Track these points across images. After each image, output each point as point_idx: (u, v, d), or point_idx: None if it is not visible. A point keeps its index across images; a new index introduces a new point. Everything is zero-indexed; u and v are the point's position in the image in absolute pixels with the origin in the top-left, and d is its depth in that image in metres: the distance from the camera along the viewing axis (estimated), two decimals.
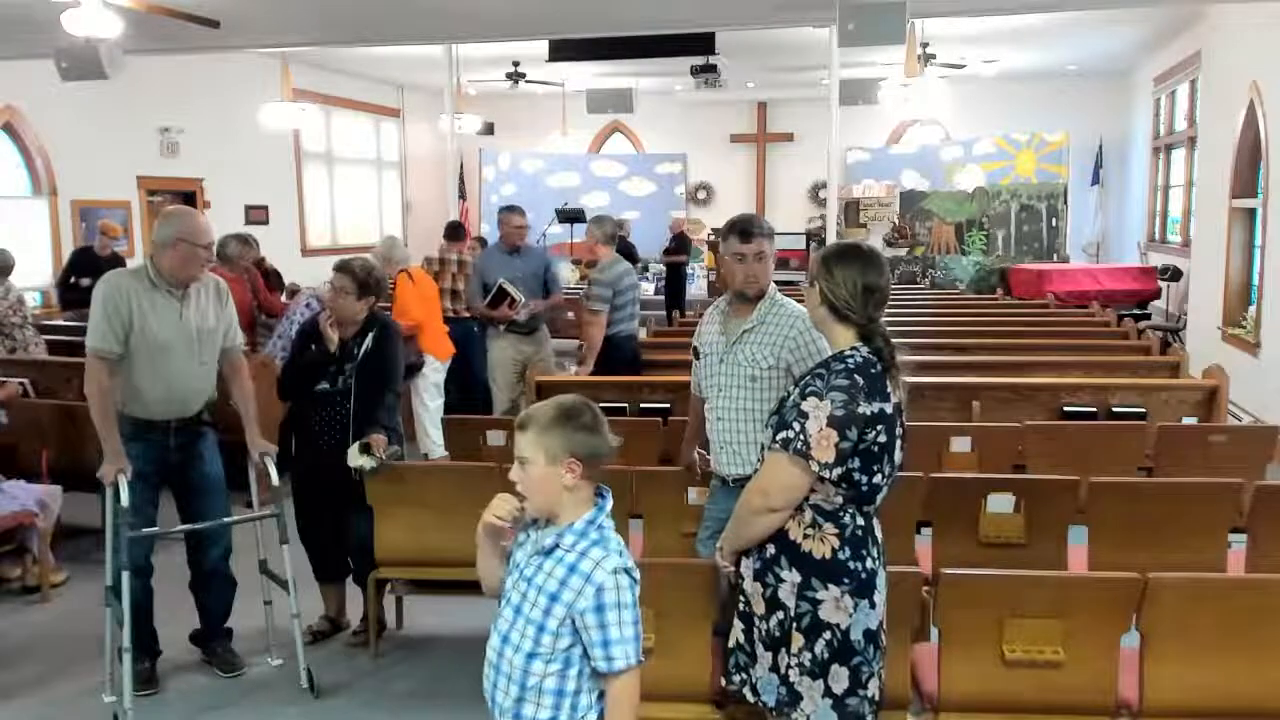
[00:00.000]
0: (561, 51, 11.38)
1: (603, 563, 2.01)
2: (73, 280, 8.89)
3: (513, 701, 2.06)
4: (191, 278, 3.76)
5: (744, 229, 3.21)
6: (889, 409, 2.35)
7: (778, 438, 2.35)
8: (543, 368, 6.30)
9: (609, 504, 2.13)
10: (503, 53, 13.06)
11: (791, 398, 2.40)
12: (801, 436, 2.30)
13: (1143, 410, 5.12)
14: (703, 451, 3.48)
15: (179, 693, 3.92)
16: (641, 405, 5.29)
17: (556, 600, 2.02)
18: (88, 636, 4.17)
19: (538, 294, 6.46)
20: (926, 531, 3.68)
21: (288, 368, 4.30)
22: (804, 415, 2.31)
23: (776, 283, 3.39)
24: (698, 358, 3.41)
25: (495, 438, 4.61)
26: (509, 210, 6.67)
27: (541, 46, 11.44)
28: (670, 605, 2.89)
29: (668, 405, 5.17)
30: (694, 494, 3.68)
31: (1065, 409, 5.17)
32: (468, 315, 7.18)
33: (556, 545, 2.06)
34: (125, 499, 3.60)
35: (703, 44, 10.76)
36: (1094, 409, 5.15)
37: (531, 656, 2.04)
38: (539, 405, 2.13)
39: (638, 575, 2.07)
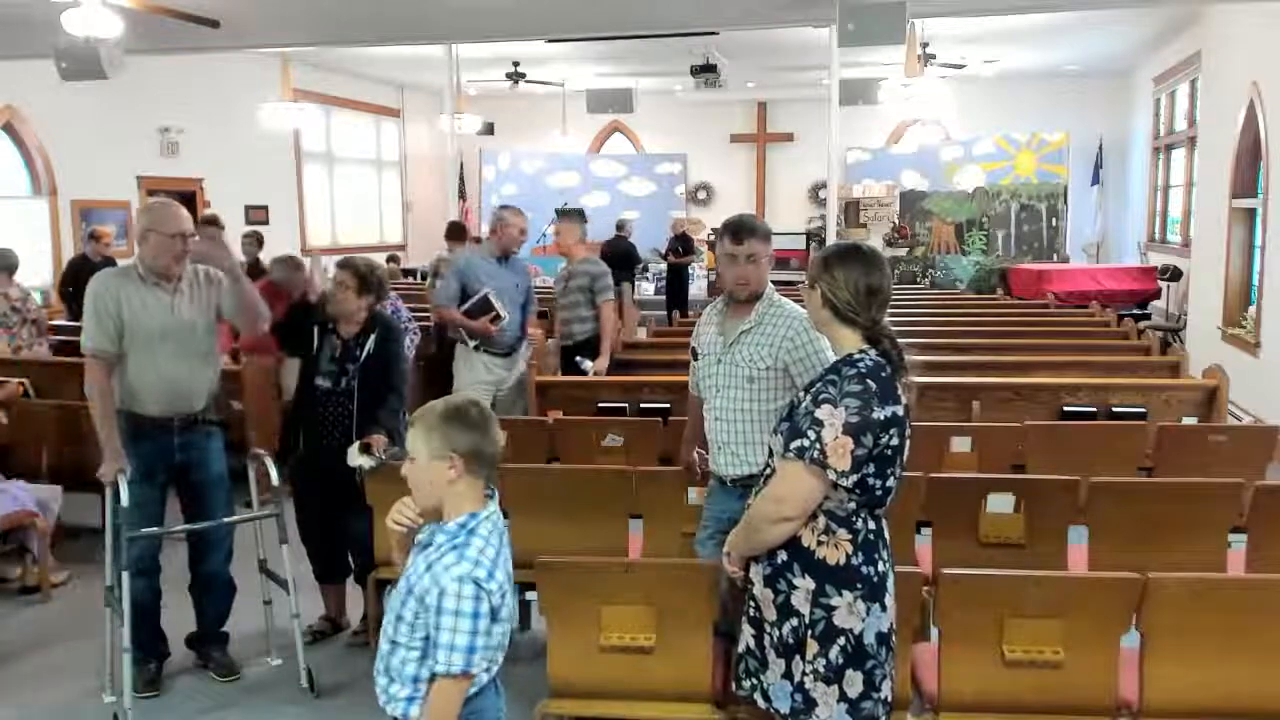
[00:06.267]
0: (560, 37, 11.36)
1: (452, 568, 2.07)
2: (71, 289, 8.90)
3: (384, 679, 2.17)
4: (171, 268, 3.73)
5: (736, 230, 3.20)
6: (900, 412, 2.34)
7: (791, 446, 2.32)
8: (510, 396, 5.65)
9: (488, 510, 2.18)
10: (503, 53, 13.06)
11: (803, 404, 2.37)
12: (817, 445, 2.27)
13: (1143, 410, 5.12)
14: (702, 451, 3.47)
15: (179, 693, 3.92)
16: (641, 405, 5.29)
17: (412, 594, 2.12)
18: (88, 636, 4.17)
19: (516, 311, 5.64)
20: (926, 531, 3.68)
21: (281, 323, 4.30)
22: (819, 423, 2.28)
23: (776, 283, 3.38)
24: (696, 358, 3.40)
25: None
26: (513, 211, 5.75)
27: (542, 46, 11.44)
28: (670, 605, 2.89)
29: (668, 405, 5.17)
30: (694, 494, 3.67)
31: (1065, 409, 5.18)
32: None
33: (430, 542, 2.15)
34: (125, 499, 3.60)
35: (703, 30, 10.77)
36: (1094, 409, 5.16)
37: (394, 642, 2.14)
38: (430, 403, 2.20)
39: (493, 586, 2.08)
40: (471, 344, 5.58)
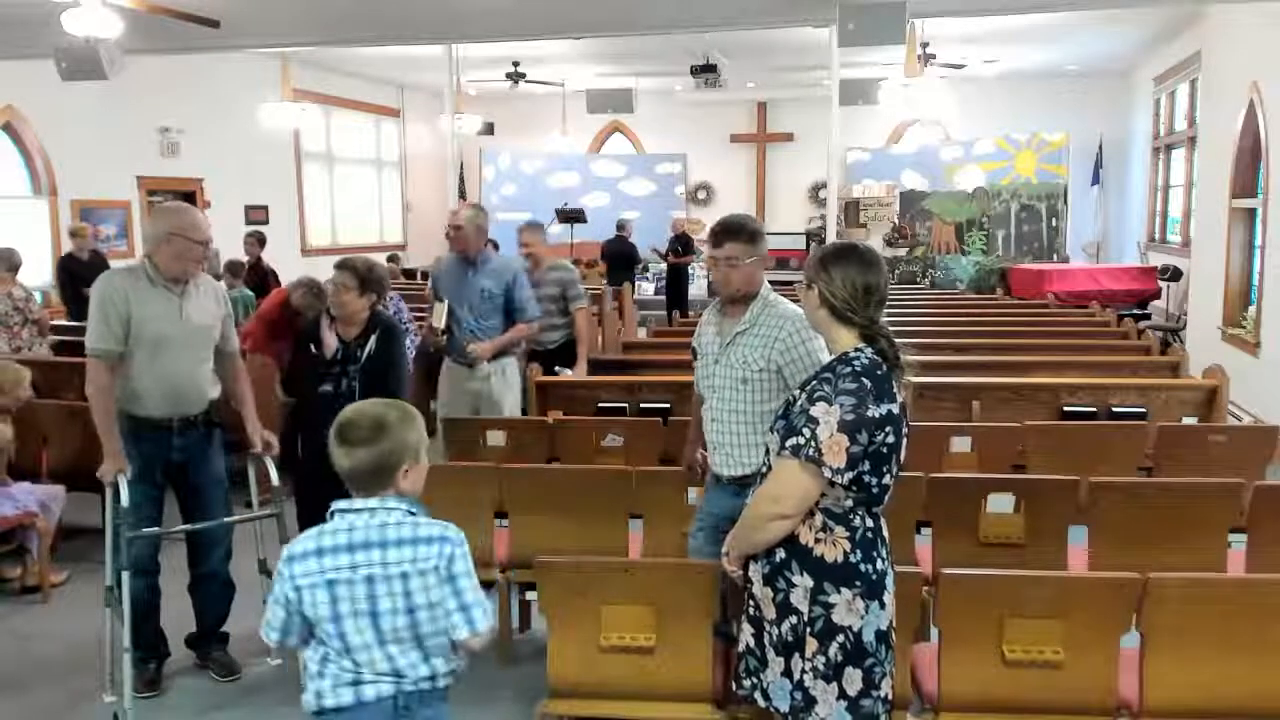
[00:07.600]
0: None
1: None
2: (69, 290, 8.90)
3: None
4: (186, 273, 3.73)
5: (716, 233, 3.22)
6: (896, 410, 2.34)
7: (787, 444, 2.32)
8: (494, 407, 5.13)
9: (351, 503, 2.21)
10: (503, 53, 13.07)
11: (799, 403, 2.37)
12: (812, 443, 2.28)
13: (1143, 410, 5.12)
14: (705, 452, 3.47)
15: (179, 693, 3.92)
16: (641, 405, 5.29)
17: None
18: (88, 636, 4.17)
19: (494, 318, 5.07)
20: (926, 531, 3.68)
21: (287, 379, 4.32)
22: (814, 421, 2.29)
23: (775, 283, 3.38)
24: (696, 358, 3.41)
25: (495, 438, 4.61)
26: (453, 211, 5.31)
27: (542, 46, 11.42)
28: (670, 605, 2.89)
29: (668, 405, 5.17)
30: (694, 494, 3.68)
31: (1065, 409, 5.17)
32: None
33: None
34: (125, 499, 3.60)
35: None
36: (1094, 409, 5.16)
37: None
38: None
39: (286, 572, 2.17)
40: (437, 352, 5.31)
